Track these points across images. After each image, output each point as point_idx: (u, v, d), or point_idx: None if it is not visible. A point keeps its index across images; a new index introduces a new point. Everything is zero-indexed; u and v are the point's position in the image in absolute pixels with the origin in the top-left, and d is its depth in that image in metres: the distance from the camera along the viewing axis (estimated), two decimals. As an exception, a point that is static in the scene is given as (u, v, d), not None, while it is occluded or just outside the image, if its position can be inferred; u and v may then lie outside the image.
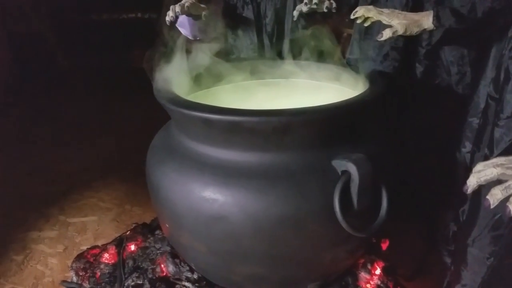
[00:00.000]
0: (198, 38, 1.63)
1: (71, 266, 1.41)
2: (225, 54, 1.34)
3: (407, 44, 1.38)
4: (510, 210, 0.58)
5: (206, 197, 0.86)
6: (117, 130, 2.96)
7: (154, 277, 1.16)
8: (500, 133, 0.80)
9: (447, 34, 1.20)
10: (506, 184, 0.60)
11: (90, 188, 2.17)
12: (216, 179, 0.86)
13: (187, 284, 1.08)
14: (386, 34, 1.07)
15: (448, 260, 1.24)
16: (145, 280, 1.15)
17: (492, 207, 0.60)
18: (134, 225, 1.55)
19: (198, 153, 0.90)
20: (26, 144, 2.72)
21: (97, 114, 3.29)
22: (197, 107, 0.85)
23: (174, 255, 1.18)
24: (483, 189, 0.84)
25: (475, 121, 1.10)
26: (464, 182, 0.69)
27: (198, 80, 1.21)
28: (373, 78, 1.04)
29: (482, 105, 1.07)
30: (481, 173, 0.63)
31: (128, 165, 2.43)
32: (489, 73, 1.04)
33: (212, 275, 1.06)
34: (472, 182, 0.64)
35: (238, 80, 1.29)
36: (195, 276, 1.11)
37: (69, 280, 1.39)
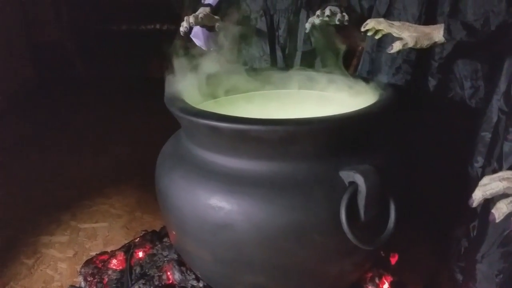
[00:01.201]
0: (211, 49, 1.66)
1: (80, 271, 1.43)
2: (237, 65, 1.35)
3: (419, 57, 1.38)
4: (515, 223, 0.57)
5: (212, 205, 0.86)
6: (131, 138, 3.00)
7: (160, 284, 1.16)
8: (509, 147, 0.79)
9: (458, 47, 1.19)
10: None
11: (102, 195, 2.20)
12: (222, 187, 0.86)
13: (192, 292, 1.08)
14: (396, 46, 1.07)
15: (459, 277, 1.21)
16: (151, 287, 1.15)
17: (497, 221, 0.59)
18: (143, 232, 1.56)
19: (205, 161, 0.91)
20: (40, 150, 2.78)
21: (112, 122, 3.35)
22: (205, 115, 0.86)
23: (181, 263, 1.18)
24: (491, 204, 0.83)
25: (487, 135, 1.08)
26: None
27: (209, 90, 1.22)
28: (384, 90, 1.03)
29: (494, 120, 1.05)
30: (487, 186, 0.62)
31: (140, 173, 2.46)
32: (501, 87, 1.03)
33: (217, 284, 1.05)
34: (478, 196, 0.63)
35: (250, 90, 1.30)
36: (201, 285, 1.10)
37: (77, 285, 1.40)
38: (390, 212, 0.88)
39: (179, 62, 1.19)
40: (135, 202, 2.15)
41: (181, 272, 1.15)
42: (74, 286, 1.42)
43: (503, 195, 0.60)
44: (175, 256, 1.23)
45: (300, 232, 0.83)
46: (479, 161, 1.13)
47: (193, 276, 1.13)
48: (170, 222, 1.01)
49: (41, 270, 1.65)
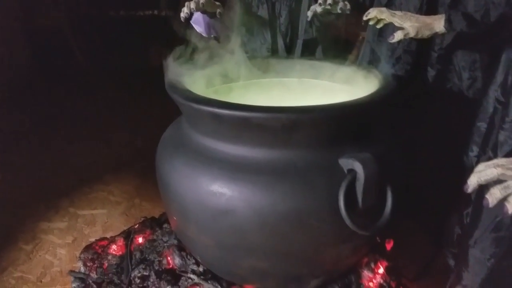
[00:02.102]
0: (212, 36, 1.66)
1: (79, 257, 1.44)
2: (238, 53, 1.36)
3: (420, 47, 1.39)
4: (507, 209, 0.59)
5: (214, 191, 0.87)
6: (130, 126, 3.00)
7: (160, 269, 1.18)
8: (504, 136, 0.81)
9: (458, 38, 1.20)
10: (505, 184, 0.61)
11: (101, 182, 2.21)
12: (224, 174, 0.88)
13: (192, 276, 1.10)
14: (398, 36, 1.08)
15: (452, 262, 1.24)
16: (151, 272, 1.17)
17: (491, 206, 0.61)
18: (142, 218, 1.57)
19: (207, 148, 0.92)
20: (38, 138, 2.77)
21: (111, 110, 3.34)
22: (207, 102, 0.87)
23: (181, 248, 1.20)
24: (485, 191, 0.85)
25: (483, 125, 1.10)
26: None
27: (210, 77, 1.23)
28: (384, 80, 1.04)
29: (490, 110, 1.07)
30: (482, 173, 0.64)
31: (139, 161, 2.47)
32: (498, 78, 1.04)
33: (218, 268, 1.07)
34: (473, 182, 0.65)
35: (251, 78, 1.31)
36: (201, 269, 1.12)
37: (77, 270, 1.42)
38: (387, 199, 0.89)
39: (179, 49, 1.19)
40: (134, 189, 2.16)
41: (181, 257, 1.17)
42: (73, 271, 1.44)
43: (497, 182, 0.62)
44: (175, 242, 1.25)
45: (300, 218, 0.85)
46: (474, 151, 1.15)
47: (193, 261, 1.15)
48: (172, 208, 1.02)
49: (40, 255, 1.66)
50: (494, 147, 0.83)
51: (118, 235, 1.47)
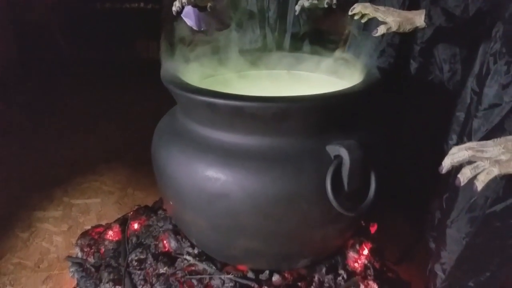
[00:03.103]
0: (202, 29, 1.70)
1: (76, 243, 1.48)
2: (228, 46, 1.40)
3: (402, 41, 1.46)
4: (476, 187, 0.66)
5: (209, 176, 0.93)
6: (120, 118, 3.02)
7: (156, 252, 1.24)
8: (478, 124, 0.88)
9: (438, 32, 1.27)
10: (475, 164, 0.68)
11: (94, 172, 2.24)
12: (218, 160, 0.93)
13: (188, 258, 1.16)
14: (381, 30, 1.14)
15: (433, 246, 1.32)
16: (148, 255, 1.22)
17: (462, 184, 0.68)
18: (136, 207, 1.62)
19: (202, 136, 0.98)
20: (31, 130, 2.78)
21: (100, 102, 3.35)
22: (203, 92, 0.92)
23: (176, 232, 1.25)
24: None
25: (462, 115, 1.17)
26: (447, 174, 0.77)
27: (202, 69, 1.27)
28: (368, 71, 1.11)
29: (468, 101, 1.14)
30: (455, 155, 0.71)
31: (130, 151, 2.51)
32: (475, 70, 1.11)
33: (212, 250, 1.13)
34: (447, 163, 0.72)
35: (240, 70, 1.35)
36: (196, 251, 1.18)
37: (74, 256, 1.46)
38: (371, 183, 0.96)
39: (172, 42, 1.23)
40: (126, 179, 2.20)
41: (177, 240, 1.23)
42: (71, 256, 1.48)
43: (468, 163, 0.69)
44: (170, 227, 1.30)
45: (290, 201, 0.91)
46: (454, 139, 1.22)
47: (188, 244, 1.21)
48: (168, 194, 1.07)
49: (36, 243, 1.70)
50: (469, 134, 0.90)
51: (114, 221, 1.52)
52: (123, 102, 3.33)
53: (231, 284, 1.07)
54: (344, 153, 0.90)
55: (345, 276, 1.16)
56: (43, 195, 2.03)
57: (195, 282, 1.10)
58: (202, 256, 1.16)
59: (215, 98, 0.90)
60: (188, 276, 1.10)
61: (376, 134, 1.08)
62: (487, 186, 0.68)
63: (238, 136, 0.94)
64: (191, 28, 1.68)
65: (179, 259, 1.18)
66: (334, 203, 0.90)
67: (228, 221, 0.96)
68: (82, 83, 3.75)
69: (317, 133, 0.95)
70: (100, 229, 1.52)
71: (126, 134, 2.75)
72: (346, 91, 0.95)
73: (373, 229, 1.31)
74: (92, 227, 1.54)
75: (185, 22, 1.65)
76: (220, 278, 1.09)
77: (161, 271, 1.15)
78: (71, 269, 1.39)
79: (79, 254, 1.45)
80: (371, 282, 1.16)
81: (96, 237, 1.47)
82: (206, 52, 1.30)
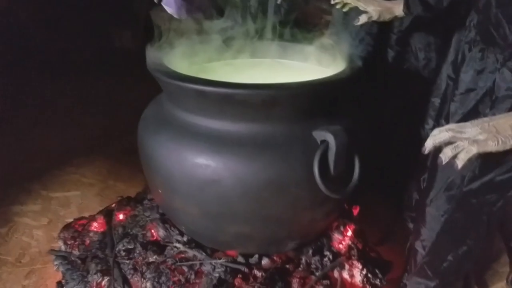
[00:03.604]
0: (183, 17, 1.69)
1: (59, 236, 1.46)
2: (210, 34, 1.41)
3: (380, 30, 1.50)
4: (457, 165, 0.72)
5: (200, 163, 0.94)
6: (96, 108, 2.95)
7: (144, 241, 1.24)
8: (455, 107, 0.94)
9: (415, 21, 1.32)
10: (455, 144, 0.73)
11: (72, 165, 2.19)
12: (209, 147, 0.95)
13: (178, 245, 1.17)
14: (362, 19, 1.18)
15: (411, 226, 1.39)
16: (137, 244, 1.22)
17: (444, 163, 0.73)
18: (119, 198, 1.61)
19: (191, 124, 0.99)
20: (4, 122, 2.68)
21: (74, 92, 3.26)
22: (194, 80, 0.93)
23: (164, 221, 1.26)
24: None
25: (437, 101, 1.23)
26: (424, 156, 0.82)
27: (183, 57, 1.27)
28: (350, 59, 1.14)
29: (443, 87, 1.20)
30: (436, 136, 0.76)
31: (110, 142, 2.47)
32: (449, 57, 1.17)
33: (202, 236, 1.15)
34: (429, 144, 0.77)
35: (223, 59, 1.36)
36: (185, 239, 1.19)
37: (57, 249, 1.45)
38: (355, 167, 1.01)
39: (155, 30, 1.23)
40: (107, 171, 2.17)
41: (165, 229, 1.23)
42: (54, 250, 1.46)
43: (449, 143, 0.74)
44: (157, 216, 1.30)
45: (280, 185, 0.94)
46: (430, 124, 1.28)
47: (177, 232, 1.22)
48: (157, 182, 1.08)
49: (16, 237, 1.66)
50: (447, 117, 0.96)
51: (98, 213, 1.51)
52: (98, 92, 3.25)
53: (222, 269, 1.09)
54: (330, 138, 0.93)
55: (330, 257, 1.20)
56: (20, 189, 1.97)
57: (185, 268, 1.12)
58: (192, 243, 1.18)
59: (206, 86, 0.91)
60: (178, 263, 1.12)
61: (358, 120, 1.12)
62: (465, 165, 0.73)
63: (228, 123, 0.96)
64: (171, 16, 1.68)
65: (168, 247, 1.19)
66: (321, 186, 0.93)
67: (219, 207, 0.98)
68: (55, 72, 3.63)
69: (304, 119, 0.98)
70: (84, 221, 1.50)
71: (103, 125, 2.69)
72: (332, 78, 0.99)
73: (355, 211, 1.36)
74: (74, 219, 1.52)
75: (165, 10, 1.65)
76: (211, 263, 1.11)
77: (151, 259, 1.16)
78: (56, 262, 1.37)
79: (63, 247, 1.44)
80: (355, 262, 1.21)
81: (80, 229, 1.45)
82: (188, 41, 1.30)
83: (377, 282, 1.21)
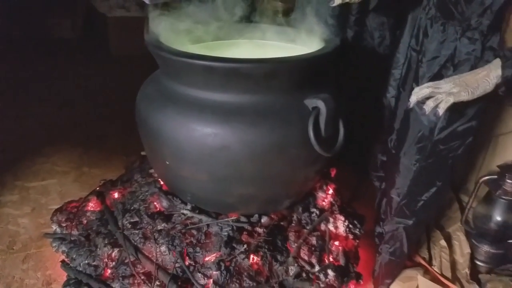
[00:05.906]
0: (154, 3, 1.73)
1: (52, 220, 1.49)
2: (185, 17, 1.48)
3: (341, 12, 1.68)
4: (438, 112, 0.91)
5: (209, 133, 1.05)
6: (52, 98, 2.87)
7: (149, 213, 1.32)
8: (423, 71, 1.13)
9: (372, 3, 1.51)
10: (435, 97, 0.92)
11: (41, 155, 2.16)
12: (216, 118, 1.06)
13: (184, 211, 1.27)
14: (337, 0, 1.33)
15: (377, 184, 1.60)
16: (143, 215, 1.30)
17: (427, 113, 0.92)
18: (102, 181, 1.65)
19: (198, 98, 1.09)
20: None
21: (26, 83, 3.12)
22: (200, 57, 1.03)
23: (166, 193, 1.35)
24: (411, 114, 1.18)
25: (397, 72, 1.44)
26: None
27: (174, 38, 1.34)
28: (328, 38, 1.30)
29: (402, 60, 1.40)
30: (418, 93, 0.94)
31: (74, 131, 2.44)
32: (406, 34, 1.37)
33: (208, 201, 1.26)
34: (413, 99, 0.95)
35: (203, 41, 1.45)
36: (188, 207, 1.30)
37: (52, 233, 1.47)
38: (339, 130, 1.18)
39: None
40: (78, 158, 2.17)
41: (168, 200, 1.33)
42: (49, 233, 1.49)
43: (429, 98, 0.93)
44: (156, 190, 1.39)
45: (281, 147, 1.08)
46: (391, 92, 1.49)
47: (180, 201, 1.32)
48: (165, 154, 1.16)
49: (1, 227, 1.64)
50: (416, 80, 1.15)
51: (89, 194, 1.54)
52: (54, 83, 3.15)
53: (229, 228, 1.22)
54: (321, 104, 1.09)
55: (317, 213, 1.37)
56: (-7, 181, 1.93)
57: (195, 232, 1.22)
58: (195, 210, 1.29)
59: (213, 62, 1.02)
60: (188, 227, 1.22)
61: (338, 89, 1.29)
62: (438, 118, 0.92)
63: (232, 96, 1.08)
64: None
65: (175, 215, 1.28)
66: (316, 146, 1.09)
67: (228, 170, 1.10)
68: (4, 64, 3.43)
69: (297, 89, 1.13)
70: (75, 204, 1.54)
71: (65, 114, 2.65)
72: (320, 52, 1.14)
73: (333, 173, 1.54)
74: (65, 203, 1.55)
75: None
76: (218, 224, 1.23)
77: (159, 227, 1.25)
78: (54, 244, 1.40)
79: (58, 230, 1.47)
80: (338, 215, 1.40)
81: (74, 211, 1.49)
82: (163, 25, 1.36)
83: (357, 231, 1.41)
